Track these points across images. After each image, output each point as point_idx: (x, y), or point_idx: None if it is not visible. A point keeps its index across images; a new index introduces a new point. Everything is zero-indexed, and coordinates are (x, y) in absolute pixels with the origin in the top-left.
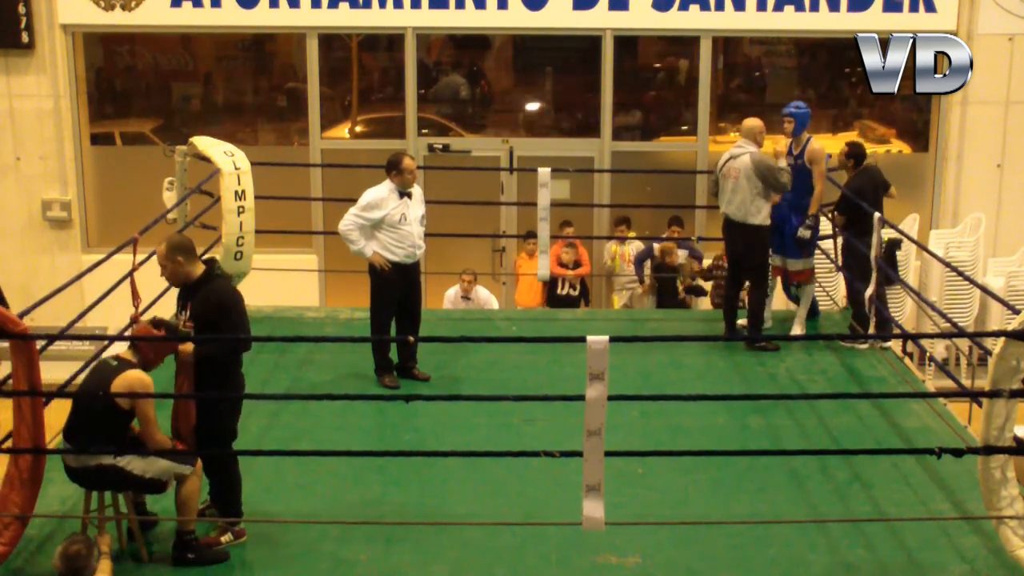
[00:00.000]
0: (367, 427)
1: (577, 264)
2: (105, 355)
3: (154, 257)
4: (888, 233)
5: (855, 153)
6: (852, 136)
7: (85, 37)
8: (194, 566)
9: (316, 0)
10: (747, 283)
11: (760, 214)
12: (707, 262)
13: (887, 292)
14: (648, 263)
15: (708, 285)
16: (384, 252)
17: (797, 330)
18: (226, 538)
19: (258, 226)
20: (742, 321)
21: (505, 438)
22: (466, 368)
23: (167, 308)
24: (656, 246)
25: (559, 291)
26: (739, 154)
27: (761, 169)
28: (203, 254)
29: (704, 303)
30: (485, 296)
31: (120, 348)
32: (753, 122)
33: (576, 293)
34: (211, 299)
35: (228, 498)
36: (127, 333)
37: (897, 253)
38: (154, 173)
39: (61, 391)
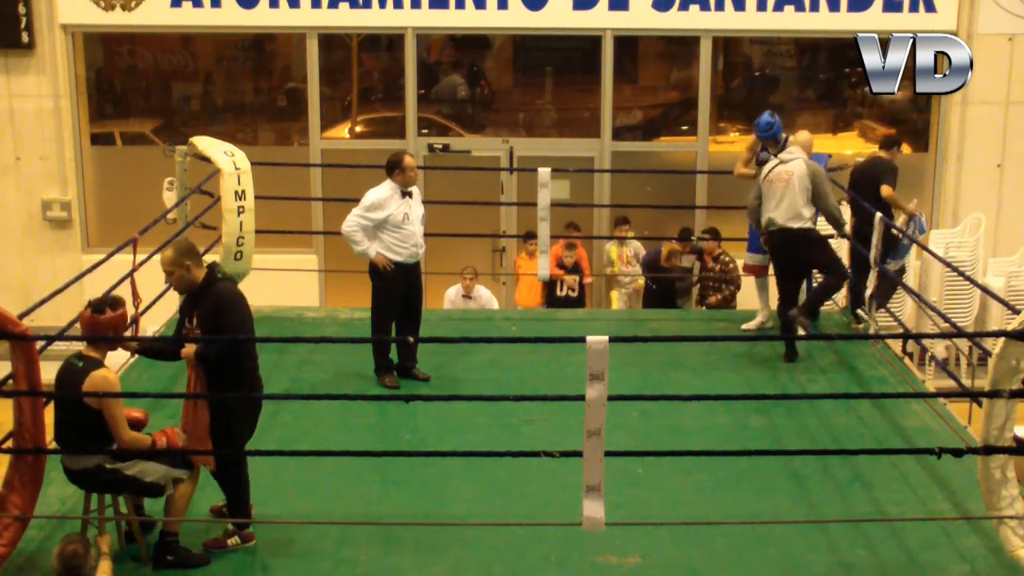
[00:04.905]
0: (367, 427)
1: (577, 267)
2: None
3: (155, 257)
4: None
5: (892, 140)
6: (852, 136)
7: (85, 37)
8: (173, 568)
9: (316, 0)
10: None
11: (808, 219)
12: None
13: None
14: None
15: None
16: (387, 252)
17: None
18: (233, 541)
19: (258, 226)
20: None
21: (505, 438)
22: (466, 368)
23: (168, 309)
24: (663, 250)
25: (558, 292)
26: (790, 159)
27: (817, 178)
28: (203, 254)
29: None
30: (487, 296)
31: (81, 344)
32: (805, 135)
33: (575, 294)
34: (217, 303)
35: (235, 500)
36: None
37: None
38: (154, 173)
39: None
